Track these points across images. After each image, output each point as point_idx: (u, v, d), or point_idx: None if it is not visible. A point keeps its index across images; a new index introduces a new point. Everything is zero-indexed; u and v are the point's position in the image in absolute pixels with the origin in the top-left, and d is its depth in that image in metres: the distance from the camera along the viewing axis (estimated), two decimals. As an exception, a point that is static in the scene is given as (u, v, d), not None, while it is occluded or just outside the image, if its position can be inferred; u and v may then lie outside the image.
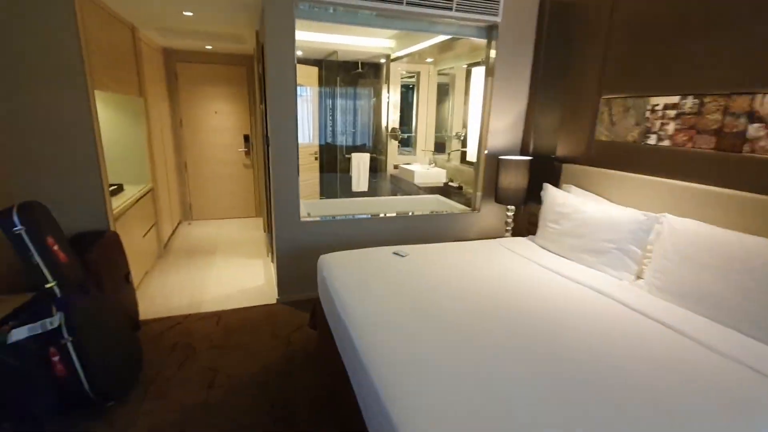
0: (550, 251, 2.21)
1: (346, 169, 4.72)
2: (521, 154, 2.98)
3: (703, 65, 1.78)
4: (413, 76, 4.66)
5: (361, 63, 4.95)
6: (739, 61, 1.65)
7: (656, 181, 1.95)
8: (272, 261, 3.21)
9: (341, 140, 5.21)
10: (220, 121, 4.62)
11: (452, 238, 3.02)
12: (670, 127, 1.94)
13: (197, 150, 4.63)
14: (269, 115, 2.38)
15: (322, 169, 5.05)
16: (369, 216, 2.78)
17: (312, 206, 3.27)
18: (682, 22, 1.87)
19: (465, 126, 4.31)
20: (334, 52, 4.19)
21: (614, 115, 2.22)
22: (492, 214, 3.09)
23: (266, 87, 2.35)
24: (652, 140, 2.03)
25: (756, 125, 1.61)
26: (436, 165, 4.28)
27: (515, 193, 2.68)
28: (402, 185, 4.36)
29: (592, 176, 2.31)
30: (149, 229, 3.25)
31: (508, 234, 2.86)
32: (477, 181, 3.01)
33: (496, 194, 2.81)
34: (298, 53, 4.34)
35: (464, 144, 4.18)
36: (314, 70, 4.32)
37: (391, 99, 4.47)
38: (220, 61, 4.47)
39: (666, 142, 1.96)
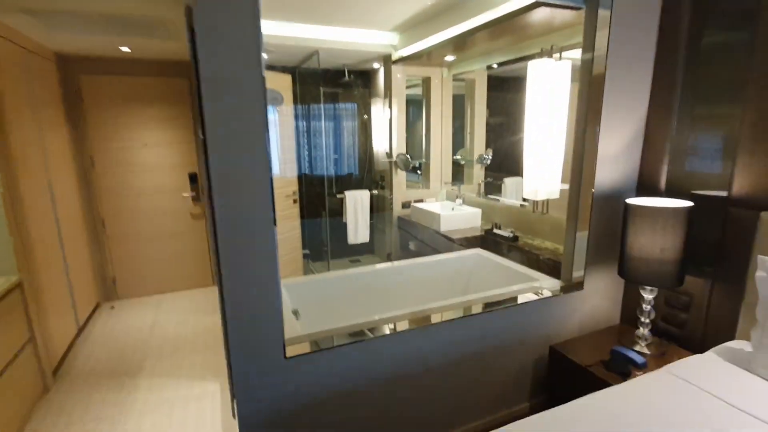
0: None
1: (338, 210, 3.47)
2: (641, 194, 1.83)
3: None
4: (419, 85, 3.51)
5: (349, 71, 3.77)
6: None
7: None
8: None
9: (328, 170, 3.95)
10: (152, 157, 3.27)
11: (540, 340, 1.80)
12: None
13: (119, 199, 3.23)
14: (209, 146, 1.10)
15: (303, 214, 3.76)
16: (408, 327, 1.53)
17: (297, 292, 1.98)
18: None
19: (488, 146, 3.18)
20: (314, 53, 2.98)
21: None
22: (601, 290, 1.90)
23: (201, 95, 1.08)
24: None
25: None
26: (464, 202, 3.10)
27: (664, 266, 1.51)
28: (417, 232, 3.13)
29: None
30: (14, 357, 1.85)
31: (643, 333, 1.67)
32: (571, 237, 1.81)
33: (622, 264, 1.63)
34: (263, 55, 3.09)
35: (495, 170, 3.02)
36: (286, 79, 3.09)
37: (393, 115, 3.28)
38: (146, 72, 3.15)
39: None
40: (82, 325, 2.81)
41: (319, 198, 3.93)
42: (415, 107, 3.67)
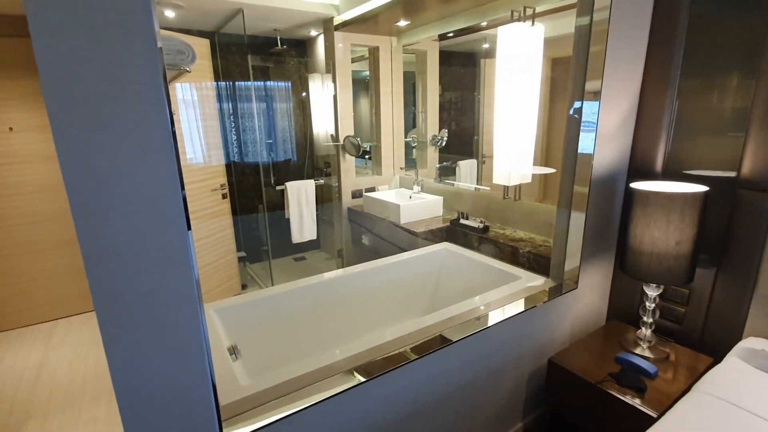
0: None
1: (277, 203, 2.97)
2: (634, 177, 1.62)
3: None
4: (364, 58, 3.09)
5: (282, 39, 3.22)
6: None
7: None
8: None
9: (261, 157, 3.40)
10: (23, 144, 2.50)
11: (534, 351, 1.54)
12: None
13: (-18, 202, 2.45)
14: (54, 127, 0.62)
15: (236, 210, 3.21)
16: (377, 372, 1.16)
17: (233, 318, 1.52)
18: None
19: (442, 127, 2.90)
20: (238, 12, 2.41)
21: None
22: (593, 287, 1.69)
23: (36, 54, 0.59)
24: None
25: None
26: (422, 189, 2.78)
27: (673, 261, 1.31)
28: (371, 225, 2.77)
29: None
30: None
31: (646, 334, 1.48)
32: (563, 228, 1.56)
33: (626, 260, 1.41)
34: (167, 13, 2.43)
35: (447, 152, 2.76)
36: (203, 44, 2.49)
37: (338, 91, 2.82)
38: (7, 31, 2.36)
39: None
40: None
41: (253, 190, 3.39)
42: (359, 86, 3.25)
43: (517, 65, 1.85)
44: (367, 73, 3.10)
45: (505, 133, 1.97)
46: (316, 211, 2.91)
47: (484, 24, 2.31)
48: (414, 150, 3.18)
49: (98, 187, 0.63)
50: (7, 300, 2.59)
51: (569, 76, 1.47)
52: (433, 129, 2.97)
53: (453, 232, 2.35)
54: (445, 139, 2.85)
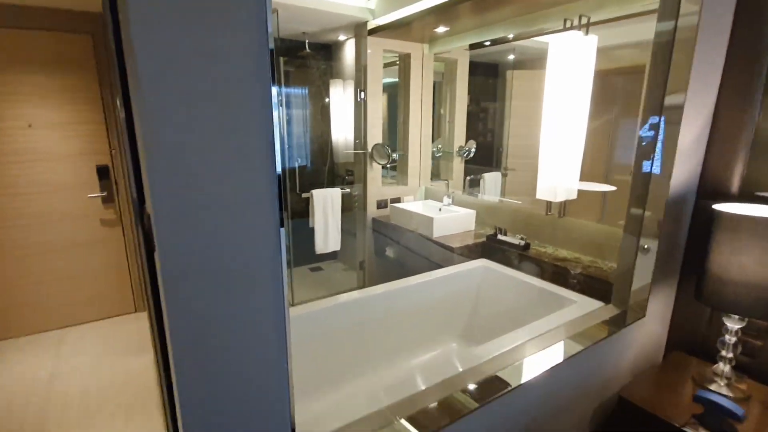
0: None
1: (302, 210, 2.85)
2: (705, 196, 1.51)
3: None
4: (392, 63, 3.00)
5: (309, 43, 3.13)
6: None
7: None
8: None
9: (292, 163, 3.29)
10: (42, 142, 2.39)
11: (598, 387, 1.41)
12: None
13: (-6, 201, 2.33)
14: (143, 124, 0.51)
15: (257, 217, 3.09)
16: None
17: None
18: None
19: (470, 138, 2.81)
20: (272, 13, 2.32)
21: None
22: (657, 314, 1.57)
23: (123, 48, 0.48)
24: None
25: None
26: (453, 201, 2.67)
27: (756, 291, 1.19)
28: (398, 237, 2.65)
29: None
30: None
31: (724, 370, 1.35)
32: (631, 252, 1.44)
33: (703, 288, 1.29)
34: None
35: (473, 163, 2.65)
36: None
37: (369, 98, 2.73)
38: (29, 23, 2.27)
39: None
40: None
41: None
42: (388, 93, 3.16)
43: (569, 76, 1.76)
44: (391, 80, 3.01)
45: (553, 146, 1.87)
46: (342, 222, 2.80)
47: (531, 32, 2.21)
48: (439, 160, 3.08)
49: (193, 196, 0.51)
50: (17, 305, 2.45)
51: (645, 88, 1.36)
52: (460, 140, 2.88)
53: (489, 248, 2.23)
54: (473, 150, 2.76)
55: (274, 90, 0.56)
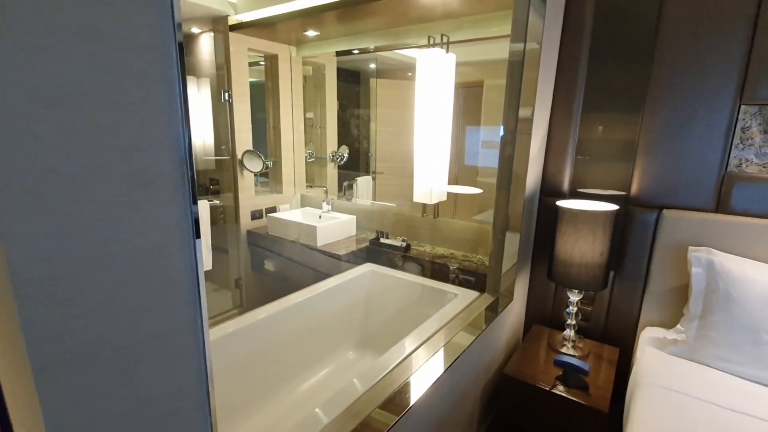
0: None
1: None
2: (546, 194, 1.84)
3: None
4: (259, 62, 2.81)
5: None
6: None
7: None
8: None
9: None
10: None
11: (486, 368, 1.58)
12: None
13: None
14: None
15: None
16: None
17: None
18: None
19: (341, 143, 2.87)
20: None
21: (777, 132, 1.35)
22: (521, 296, 1.83)
23: None
24: None
25: None
26: (333, 207, 2.64)
27: (596, 270, 1.51)
28: (279, 248, 2.51)
29: (735, 231, 1.39)
30: None
31: (571, 335, 1.67)
32: (500, 245, 1.66)
33: (555, 271, 1.58)
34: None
35: (346, 169, 2.73)
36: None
37: (235, 101, 2.49)
38: None
39: None
40: None
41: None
42: (254, 93, 2.95)
43: (434, 88, 1.92)
44: (253, 80, 2.84)
45: (426, 152, 2.02)
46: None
47: (396, 45, 2.34)
48: (312, 166, 3.03)
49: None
50: None
51: (504, 101, 1.57)
52: (332, 145, 2.89)
53: (373, 252, 2.29)
54: (346, 155, 2.80)
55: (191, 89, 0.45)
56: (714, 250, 1.39)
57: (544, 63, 1.56)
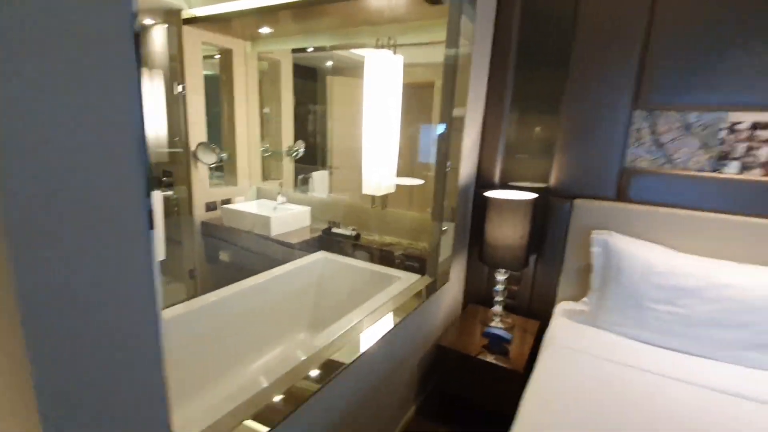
0: (662, 347, 1.40)
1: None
2: (480, 186, 2.04)
3: (826, 73, 1.36)
4: (213, 55, 2.84)
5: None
6: None
7: (754, 224, 1.46)
8: None
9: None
10: None
11: (424, 341, 1.76)
12: (764, 152, 1.47)
13: None
14: None
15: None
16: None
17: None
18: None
19: (297, 138, 2.97)
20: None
21: (662, 134, 1.62)
22: (458, 278, 2.02)
23: None
24: (731, 168, 1.52)
25: None
26: (288, 199, 2.74)
27: (518, 251, 1.72)
28: (234, 239, 2.57)
29: (630, 217, 1.65)
30: None
31: (499, 311, 1.88)
32: (437, 232, 1.84)
33: (484, 252, 1.77)
34: None
35: (302, 163, 2.85)
36: None
37: (189, 93, 2.52)
38: None
39: (756, 172, 1.49)
40: None
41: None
42: (210, 86, 2.98)
43: (382, 87, 2.07)
44: (207, 73, 2.87)
45: (373, 147, 2.16)
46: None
47: (348, 44, 2.47)
48: (269, 160, 3.10)
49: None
50: None
51: (440, 101, 1.75)
52: (288, 140, 2.98)
53: (325, 241, 2.41)
54: (302, 150, 2.90)
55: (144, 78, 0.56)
56: (614, 233, 1.64)
57: (477, 66, 1.74)
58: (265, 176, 3.10)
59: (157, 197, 2.37)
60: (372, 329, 1.41)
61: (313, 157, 2.92)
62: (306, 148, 2.89)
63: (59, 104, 0.48)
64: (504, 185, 1.99)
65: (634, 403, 1.13)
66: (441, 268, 1.86)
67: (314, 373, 1.14)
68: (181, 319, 1.51)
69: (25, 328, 0.48)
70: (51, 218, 0.49)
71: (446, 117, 1.72)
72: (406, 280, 1.88)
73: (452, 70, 1.67)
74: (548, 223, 1.88)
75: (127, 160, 0.56)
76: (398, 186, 2.46)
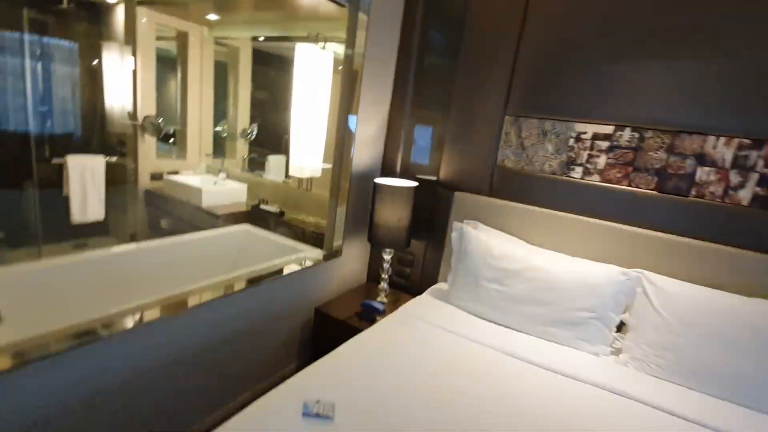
0: (490, 321, 1.62)
1: (53, 180, 2.62)
2: (384, 175, 2.25)
3: (647, 94, 1.57)
4: (170, 38, 3.04)
5: (67, -5, 2.85)
6: (690, 95, 1.50)
7: (586, 222, 1.67)
8: None
9: (32, 127, 2.90)
10: None
11: (307, 305, 1.98)
12: (601, 161, 1.68)
13: None
14: None
15: (-9, 184, 2.69)
16: (157, 316, 1.36)
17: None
18: (625, 36, 1.60)
19: (253, 121, 3.17)
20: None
21: (525, 138, 1.83)
22: (354, 256, 2.23)
23: None
24: (576, 173, 1.73)
25: (707, 169, 1.50)
26: (228, 176, 2.95)
27: (398, 232, 1.94)
28: (171, 208, 2.79)
29: (497, 210, 1.86)
30: None
31: (383, 287, 2.09)
32: (333, 210, 2.05)
33: (371, 232, 1.99)
34: None
35: (260, 146, 3.05)
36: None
37: (140, 68, 2.73)
38: None
39: (595, 177, 1.70)
40: None
41: (17, 163, 2.87)
42: (167, 65, 3.18)
43: (309, 78, 2.27)
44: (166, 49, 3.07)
45: (299, 133, 2.37)
46: (106, 192, 2.72)
47: (293, 36, 2.67)
48: (225, 140, 3.30)
49: None
50: None
51: (341, 96, 1.95)
52: (244, 122, 3.18)
53: (254, 216, 2.63)
54: (255, 132, 3.10)
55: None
56: (479, 223, 1.85)
57: (384, 65, 1.95)
58: (221, 155, 3.30)
59: (99, 160, 2.57)
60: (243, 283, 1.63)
61: (274, 142, 3.06)
62: (268, 132, 3.06)
63: None
64: (405, 175, 2.19)
65: (443, 360, 1.32)
66: (333, 243, 2.07)
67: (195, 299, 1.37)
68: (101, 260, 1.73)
69: None
70: None
71: (344, 110, 1.93)
72: (307, 253, 2.09)
73: (348, 66, 1.87)
74: (436, 212, 2.09)
75: None
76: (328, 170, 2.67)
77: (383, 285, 2.09)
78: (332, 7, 2.19)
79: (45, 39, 2.96)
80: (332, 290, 2.13)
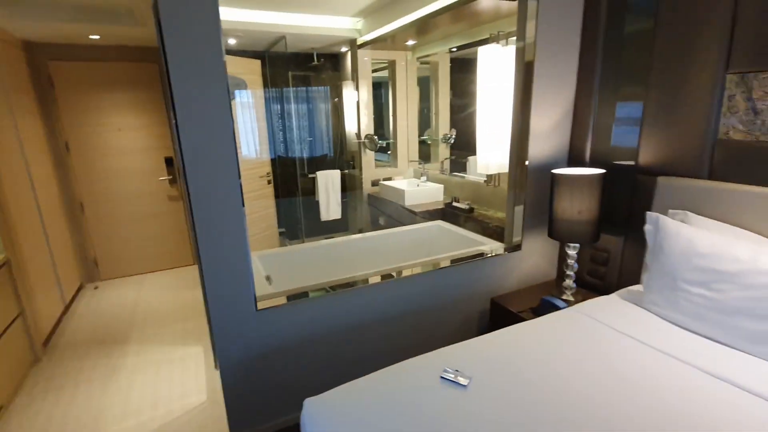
0: (692, 332, 1.31)
1: (310, 190, 3.64)
2: (571, 165, 2.09)
3: None
4: (385, 67, 3.67)
5: (318, 54, 3.89)
6: None
7: None
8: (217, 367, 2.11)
9: (298, 151, 4.11)
10: (127, 141, 3.36)
11: (485, 294, 2.07)
12: None
13: (97, 183, 3.34)
14: (180, 129, 1.28)
15: (278, 194, 3.93)
16: (361, 286, 1.75)
17: (271, 262, 2.18)
18: None
19: (453, 127, 3.40)
20: (282, 39, 3.10)
21: (759, 99, 1.37)
22: (537, 250, 2.17)
23: (171, 85, 1.25)
24: None
25: None
26: (428, 179, 3.33)
27: (583, 226, 1.77)
28: (385, 207, 3.36)
29: (717, 197, 1.45)
30: (4, 330, 2.00)
31: (568, 284, 1.95)
32: (511, 205, 2.06)
33: (551, 226, 1.89)
34: (230, 41, 3.23)
35: (460, 149, 3.25)
36: (255, 64, 3.20)
37: (361, 97, 3.44)
38: (116, 57, 3.22)
39: None
40: (68, 304, 2.95)
41: (293, 179, 4.10)
42: (385, 89, 3.83)
43: (492, 78, 2.35)
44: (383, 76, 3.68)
45: (484, 131, 2.48)
46: (343, 198, 3.54)
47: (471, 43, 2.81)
48: (430, 147, 3.72)
49: (198, 157, 1.28)
50: (113, 258, 3.47)
51: (515, 91, 1.96)
52: (444, 128, 3.50)
53: (447, 213, 2.88)
54: (454, 137, 3.37)
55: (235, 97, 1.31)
56: (689, 213, 1.51)
57: (567, 51, 1.87)
58: (426, 160, 3.75)
59: (335, 174, 3.39)
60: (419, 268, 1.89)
61: (473, 143, 3.28)
62: (467, 134, 3.30)
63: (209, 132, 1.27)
64: (596, 164, 1.98)
65: (605, 363, 1.20)
66: (512, 238, 2.08)
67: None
68: (329, 246, 2.38)
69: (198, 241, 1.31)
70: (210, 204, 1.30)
71: (518, 104, 1.93)
72: (491, 246, 2.19)
73: (521, 57, 1.87)
74: (636, 203, 1.80)
75: (230, 168, 1.31)
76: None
77: (568, 282, 1.95)
78: (513, 4, 2.21)
79: (308, 89, 4.10)
80: (511, 284, 2.14)
